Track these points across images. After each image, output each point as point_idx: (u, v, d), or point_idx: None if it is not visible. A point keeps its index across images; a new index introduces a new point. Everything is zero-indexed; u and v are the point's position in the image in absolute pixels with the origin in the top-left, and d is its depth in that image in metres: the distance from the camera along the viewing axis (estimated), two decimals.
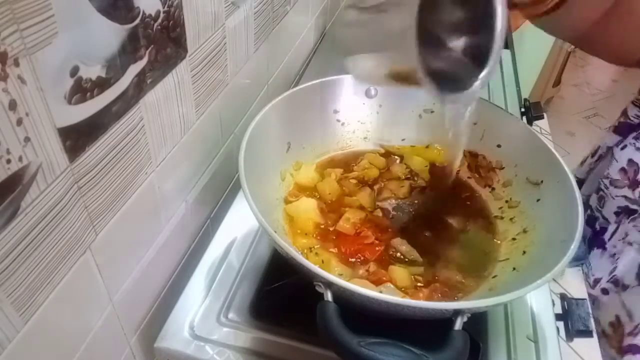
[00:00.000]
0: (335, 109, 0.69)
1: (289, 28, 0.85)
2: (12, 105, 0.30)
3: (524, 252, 0.54)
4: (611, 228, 0.88)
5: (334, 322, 0.40)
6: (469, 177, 0.67)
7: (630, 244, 0.93)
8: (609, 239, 0.89)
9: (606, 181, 0.89)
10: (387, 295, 0.42)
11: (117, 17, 0.38)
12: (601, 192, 0.97)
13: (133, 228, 0.49)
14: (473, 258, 0.57)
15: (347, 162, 0.68)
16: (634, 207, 0.91)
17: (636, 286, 0.89)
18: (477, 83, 0.43)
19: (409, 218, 0.62)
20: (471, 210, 0.63)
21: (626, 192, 0.87)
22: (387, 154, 0.70)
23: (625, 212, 0.93)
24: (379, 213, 0.61)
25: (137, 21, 0.40)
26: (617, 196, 0.94)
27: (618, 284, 0.94)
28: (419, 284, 0.53)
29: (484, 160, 0.66)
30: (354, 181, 0.65)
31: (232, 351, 0.51)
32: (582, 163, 1.01)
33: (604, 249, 0.90)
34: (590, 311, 0.61)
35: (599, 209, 0.91)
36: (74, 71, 0.35)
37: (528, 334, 0.54)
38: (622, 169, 0.86)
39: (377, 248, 0.56)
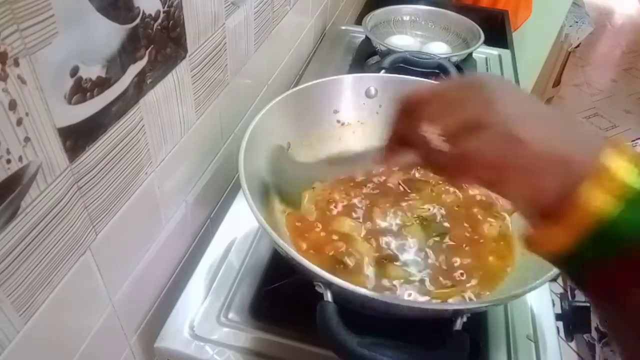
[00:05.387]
0: (335, 109, 0.69)
1: (289, 28, 0.85)
2: (12, 105, 0.30)
3: (524, 253, 0.54)
4: None
5: (334, 322, 0.40)
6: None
7: None
8: None
9: None
10: (387, 295, 0.42)
11: (117, 17, 0.38)
12: None
13: (133, 228, 0.49)
14: (473, 258, 0.56)
15: None
16: None
17: None
18: None
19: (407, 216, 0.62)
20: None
21: None
22: None
23: None
24: (377, 210, 0.61)
25: (137, 21, 0.40)
26: None
27: None
28: (418, 283, 0.53)
29: None
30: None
31: (232, 351, 0.51)
32: None
33: None
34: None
35: None
36: (74, 71, 0.35)
37: (528, 334, 0.54)
38: None
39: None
